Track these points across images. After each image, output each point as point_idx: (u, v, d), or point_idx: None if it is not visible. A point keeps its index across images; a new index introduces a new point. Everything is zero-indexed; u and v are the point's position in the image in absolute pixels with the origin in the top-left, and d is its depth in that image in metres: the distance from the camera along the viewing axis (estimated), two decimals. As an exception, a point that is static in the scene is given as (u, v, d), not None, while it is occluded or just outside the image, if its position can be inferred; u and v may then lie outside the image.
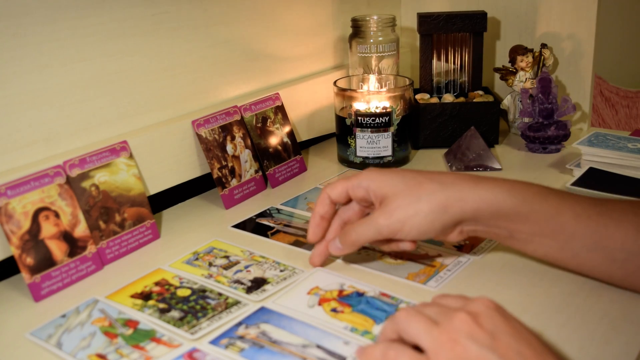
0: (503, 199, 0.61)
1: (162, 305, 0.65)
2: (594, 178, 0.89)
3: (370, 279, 0.69)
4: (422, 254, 0.73)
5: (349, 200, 0.69)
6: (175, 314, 0.63)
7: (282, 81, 1.06)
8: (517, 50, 1.12)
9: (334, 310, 0.62)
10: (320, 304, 0.63)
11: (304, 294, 0.65)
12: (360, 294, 0.64)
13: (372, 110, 0.99)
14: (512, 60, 1.13)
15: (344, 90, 1.01)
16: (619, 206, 0.62)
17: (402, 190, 0.63)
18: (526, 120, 1.08)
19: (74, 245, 0.72)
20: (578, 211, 0.61)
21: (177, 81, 0.89)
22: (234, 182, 0.90)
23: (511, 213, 0.61)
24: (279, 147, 0.98)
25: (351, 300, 0.63)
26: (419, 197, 0.62)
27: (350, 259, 0.73)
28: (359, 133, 0.99)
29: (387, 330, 0.51)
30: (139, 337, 0.60)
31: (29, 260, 0.68)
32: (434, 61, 1.14)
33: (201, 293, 0.67)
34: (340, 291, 0.65)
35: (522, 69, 1.12)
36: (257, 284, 0.68)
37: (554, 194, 0.63)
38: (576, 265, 0.64)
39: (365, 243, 0.66)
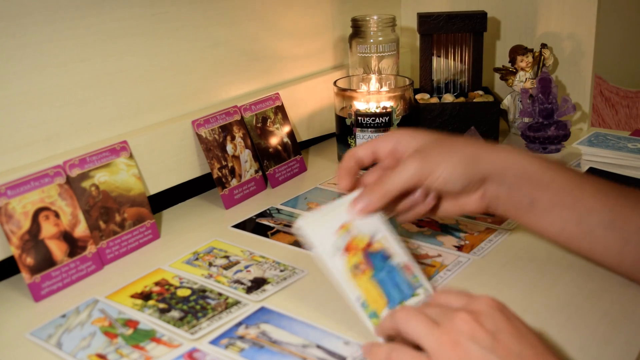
0: (529, 162, 0.63)
1: (162, 305, 0.65)
2: (594, 178, 0.88)
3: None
4: (422, 254, 0.73)
5: (372, 163, 0.67)
6: (175, 314, 0.63)
7: (282, 81, 1.06)
8: (517, 50, 1.12)
9: (355, 267, 0.58)
10: (346, 251, 0.58)
11: (336, 228, 0.59)
12: (386, 257, 0.60)
13: (372, 110, 0.99)
14: (512, 60, 1.13)
15: (344, 90, 1.01)
16: (638, 192, 0.63)
17: (433, 142, 0.63)
18: (526, 120, 1.08)
19: (74, 245, 0.72)
20: (598, 188, 0.62)
21: (177, 81, 0.89)
22: (234, 182, 0.90)
23: (535, 178, 0.62)
24: (279, 147, 0.98)
25: (376, 260, 0.59)
26: (450, 148, 0.63)
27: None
28: (359, 133, 0.99)
29: (387, 325, 0.51)
30: (139, 337, 0.60)
31: (29, 260, 0.68)
32: (434, 61, 1.14)
33: (201, 293, 0.67)
34: (370, 243, 0.60)
35: (522, 69, 1.12)
36: (257, 284, 0.68)
37: (575, 170, 0.65)
38: (590, 243, 0.63)
39: (397, 192, 0.61)
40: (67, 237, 0.71)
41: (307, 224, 0.58)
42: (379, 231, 0.61)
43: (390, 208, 0.65)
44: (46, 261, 0.69)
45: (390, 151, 0.66)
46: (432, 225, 0.80)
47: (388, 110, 0.98)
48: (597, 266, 0.69)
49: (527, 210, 0.64)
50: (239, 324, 0.61)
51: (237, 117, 0.93)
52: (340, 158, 1.04)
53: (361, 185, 0.66)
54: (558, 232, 0.64)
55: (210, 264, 0.73)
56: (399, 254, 0.60)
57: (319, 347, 0.57)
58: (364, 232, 0.60)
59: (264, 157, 0.95)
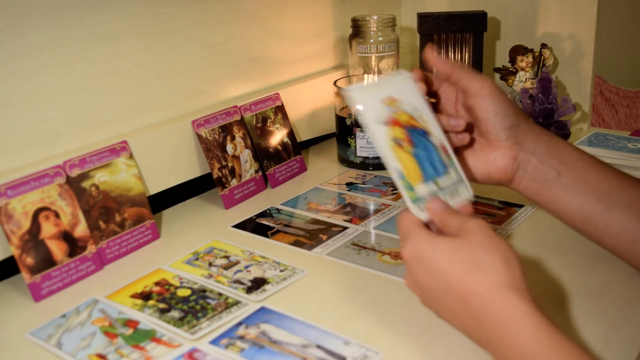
0: (558, 141, 0.67)
1: (162, 305, 0.65)
2: (594, 178, 0.88)
3: (370, 278, 0.69)
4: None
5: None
6: (175, 314, 0.63)
7: (282, 81, 1.06)
8: (517, 50, 1.12)
9: (397, 140, 0.59)
10: (389, 123, 0.60)
11: (381, 100, 0.61)
12: (426, 134, 0.61)
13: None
14: (512, 60, 1.13)
15: (351, 85, 1.01)
16: None
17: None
18: (526, 120, 1.08)
19: (74, 245, 0.72)
20: (619, 173, 0.66)
21: (177, 81, 0.89)
22: (234, 182, 0.90)
23: (563, 154, 0.65)
24: (279, 147, 0.98)
25: (416, 136, 0.60)
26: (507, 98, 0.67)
27: (350, 258, 0.73)
28: (359, 133, 0.99)
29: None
30: (139, 337, 0.60)
31: (29, 260, 0.68)
32: (434, 61, 1.14)
33: (201, 293, 0.67)
34: (412, 118, 0.61)
35: (522, 69, 1.12)
36: (257, 284, 0.68)
37: (597, 158, 0.67)
38: (605, 222, 0.64)
39: (460, 77, 0.67)
40: (67, 237, 0.71)
41: (356, 91, 0.60)
42: (420, 110, 0.62)
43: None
44: (46, 261, 0.69)
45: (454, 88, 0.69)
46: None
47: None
48: (597, 266, 0.69)
49: (552, 183, 0.66)
50: (239, 324, 0.61)
51: (237, 117, 0.93)
52: (340, 158, 1.04)
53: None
54: (578, 208, 0.65)
55: (210, 264, 0.73)
56: (437, 135, 0.62)
57: (319, 347, 0.57)
58: (407, 109, 0.62)
59: (264, 157, 0.95)
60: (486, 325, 0.50)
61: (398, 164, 0.58)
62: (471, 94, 0.65)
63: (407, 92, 0.63)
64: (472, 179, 0.68)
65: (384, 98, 0.61)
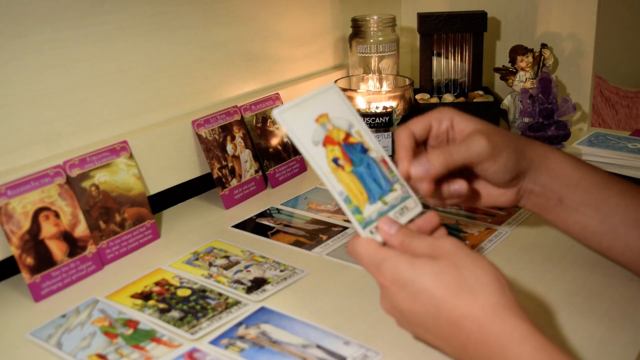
0: (561, 161, 0.65)
1: (162, 305, 0.65)
2: (594, 178, 0.88)
3: (370, 278, 0.69)
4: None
5: (424, 139, 0.65)
6: (175, 314, 0.63)
7: (282, 81, 1.06)
8: (517, 50, 1.12)
9: (335, 161, 0.56)
10: (325, 144, 0.56)
11: (313, 119, 0.56)
12: (364, 150, 0.58)
13: (372, 110, 0.99)
14: (512, 60, 1.13)
15: (344, 90, 1.01)
16: None
17: (487, 127, 0.62)
18: (526, 120, 1.08)
19: (74, 245, 0.72)
20: (623, 189, 0.64)
21: (177, 81, 0.89)
22: (234, 182, 0.90)
23: (565, 176, 0.64)
24: (279, 147, 0.98)
25: (354, 154, 0.57)
26: (507, 136, 0.63)
27: (350, 258, 0.73)
28: (359, 133, 0.98)
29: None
30: (139, 337, 0.60)
31: (29, 260, 0.68)
32: (434, 61, 1.14)
33: (201, 293, 0.67)
34: (348, 135, 0.57)
35: (522, 69, 1.12)
36: (257, 284, 0.68)
37: (601, 170, 0.66)
38: (611, 241, 0.64)
39: (460, 163, 0.60)
40: (67, 237, 0.71)
41: (284, 112, 0.55)
42: (354, 124, 0.59)
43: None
44: (46, 261, 0.69)
45: (446, 129, 0.64)
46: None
47: (388, 110, 0.98)
48: (597, 266, 0.69)
49: (555, 208, 0.65)
50: (239, 324, 0.61)
51: (237, 117, 0.93)
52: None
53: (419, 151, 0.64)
54: (581, 229, 0.65)
55: (210, 264, 0.73)
56: (375, 149, 0.59)
57: (319, 347, 0.57)
58: (341, 125, 0.58)
59: (264, 157, 0.95)
60: (483, 348, 0.48)
61: (341, 186, 0.55)
62: (473, 166, 0.62)
63: (338, 106, 0.58)
64: (478, 206, 0.67)
65: (316, 116, 0.57)
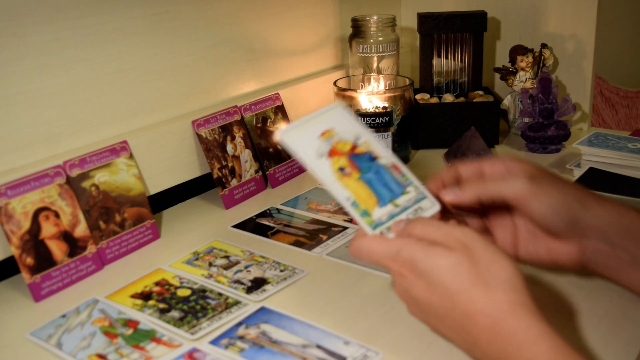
0: (634, 218, 0.59)
1: (162, 305, 0.65)
2: (594, 178, 0.89)
3: (370, 278, 0.69)
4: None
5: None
6: (175, 314, 0.63)
7: (282, 81, 1.06)
8: (517, 50, 1.12)
9: (341, 170, 0.56)
10: (330, 155, 0.57)
11: (317, 136, 0.57)
12: (372, 158, 0.58)
13: (372, 110, 0.99)
14: (512, 60, 1.13)
15: (344, 90, 1.01)
16: None
17: (544, 172, 0.60)
18: (526, 120, 1.08)
19: (74, 245, 0.72)
20: None
21: (177, 81, 0.89)
22: (234, 182, 0.90)
23: (637, 229, 0.58)
24: (279, 147, 0.98)
25: (362, 162, 0.57)
26: (562, 183, 0.59)
27: (350, 258, 0.73)
28: (359, 133, 0.98)
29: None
30: (139, 337, 0.60)
31: (29, 260, 0.68)
32: (434, 61, 1.14)
33: (201, 293, 0.67)
34: (354, 146, 0.58)
35: (522, 69, 1.12)
36: (257, 284, 0.68)
37: None
38: None
39: (494, 197, 0.58)
40: (67, 237, 0.71)
41: (287, 133, 0.56)
42: (361, 136, 0.59)
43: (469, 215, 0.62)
44: (46, 261, 0.69)
45: (499, 174, 0.61)
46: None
47: (388, 110, 0.98)
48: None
49: (628, 268, 0.59)
50: (239, 324, 0.61)
51: (237, 117, 0.93)
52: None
53: (456, 175, 0.62)
54: None
55: (210, 264, 0.73)
56: (385, 155, 0.58)
57: (319, 347, 0.57)
58: (347, 138, 0.58)
59: (264, 157, 0.95)
60: (496, 345, 0.48)
61: (348, 192, 0.55)
62: (511, 205, 0.59)
63: (344, 121, 0.59)
64: (538, 265, 0.63)
65: (320, 132, 0.57)
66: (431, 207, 0.57)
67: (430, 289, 0.50)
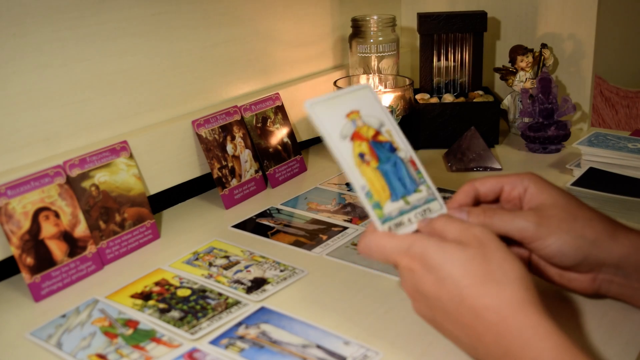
0: None
1: (162, 305, 0.65)
2: (594, 178, 0.89)
3: (370, 278, 0.69)
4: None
5: (494, 200, 0.62)
6: (175, 314, 0.63)
7: (282, 81, 1.06)
8: (517, 50, 1.12)
9: (361, 156, 0.56)
10: (353, 138, 0.56)
11: (344, 115, 0.57)
12: (393, 149, 0.58)
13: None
14: (512, 60, 1.13)
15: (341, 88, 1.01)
16: None
17: (562, 203, 0.58)
18: (526, 120, 1.08)
19: (74, 245, 0.72)
20: None
21: (177, 81, 0.89)
22: (234, 182, 0.90)
23: None
24: (279, 147, 0.98)
25: (382, 151, 0.57)
26: (576, 217, 0.57)
27: (350, 258, 0.73)
28: (359, 133, 0.98)
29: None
30: (139, 337, 0.60)
31: (29, 260, 0.68)
32: (434, 61, 1.14)
33: (201, 293, 0.67)
34: (377, 133, 0.58)
35: (522, 69, 1.12)
36: (257, 284, 0.68)
37: None
38: None
39: (498, 232, 0.57)
40: (67, 237, 0.71)
41: (315, 105, 0.56)
42: (385, 123, 0.59)
43: None
44: (46, 261, 0.69)
45: (518, 195, 0.60)
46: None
47: (388, 110, 0.98)
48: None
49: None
50: (239, 324, 0.61)
51: (237, 117, 0.93)
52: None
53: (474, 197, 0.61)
54: None
55: (210, 264, 0.73)
56: (405, 149, 0.59)
57: (319, 347, 0.57)
58: (371, 123, 0.58)
59: (264, 157, 0.95)
60: (502, 341, 0.48)
61: (364, 181, 0.55)
62: (521, 241, 0.58)
63: (370, 104, 0.59)
64: (548, 281, 0.62)
65: (347, 112, 0.57)
66: (439, 210, 0.57)
67: (439, 283, 0.51)
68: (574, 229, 0.56)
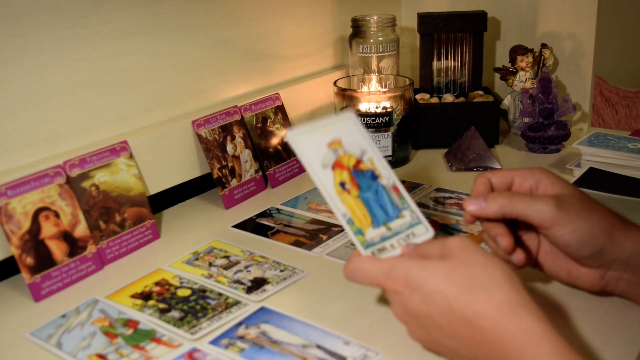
0: None
1: (162, 305, 0.65)
2: (594, 178, 0.89)
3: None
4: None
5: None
6: (175, 314, 0.63)
7: (282, 81, 1.06)
8: (517, 50, 1.12)
9: (342, 185, 0.57)
10: (334, 167, 0.57)
11: (325, 144, 0.58)
12: (374, 177, 0.59)
13: (372, 110, 0.99)
14: (512, 60, 1.13)
15: (344, 90, 1.01)
16: None
17: (575, 195, 0.58)
18: (526, 120, 1.08)
19: (74, 245, 0.72)
20: None
21: (177, 81, 0.89)
22: (234, 182, 0.90)
23: None
24: (279, 147, 0.98)
25: (363, 180, 0.58)
26: (591, 210, 0.57)
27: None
28: (359, 133, 0.98)
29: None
30: (139, 337, 0.60)
31: (29, 260, 0.68)
32: (434, 61, 1.14)
33: (201, 293, 0.67)
34: (358, 161, 0.59)
35: (522, 69, 1.12)
36: (257, 284, 0.68)
37: None
38: None
39: (516, 215, 0.57)
40: (67, 237, 0.71)
41: (297, 136, 0.57)
42: (367, 152, 0.60)
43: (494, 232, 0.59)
44: (46, 261, 0.69)
45: (529, 187, 0.60)
46: (432, 226, 0.80)
47: (388, 110, 0.98)
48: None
49: None
50: (239, 324, 0.61)
51: (237, 117, 0.93)
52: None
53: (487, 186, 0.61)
54: None
55: (210, 264, 0.73)
56: (387, 176, 0.59)
57: (319, 347, 0.57)
58: (353, 152, 0.59)
59: (264, 157, 0.95)
60: (499, 348, 0.47)
61: (345, 208, 0.56)
62: (536, 227, 0.58)
63: (353, 133, 0.59)
64: (554, 279, 0.63)
65: (329, 141, 0.58)
66: (425, 233, 0.58)
67: (427, 299, 0.50)
68: (592, 219, 0.56)
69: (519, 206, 0.56)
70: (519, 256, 0.58)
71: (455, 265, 0.50)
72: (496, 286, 0.48)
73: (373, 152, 0.60)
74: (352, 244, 0.67)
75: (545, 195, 0.57)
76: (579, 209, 0.56)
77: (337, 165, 0.58)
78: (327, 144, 0.58)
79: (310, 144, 0.57)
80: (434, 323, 0.51)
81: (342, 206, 0.56)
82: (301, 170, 1.01)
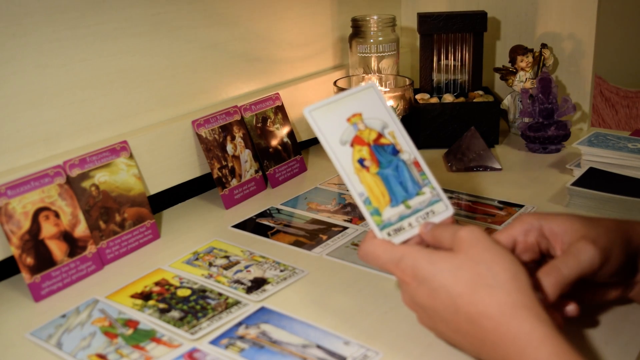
0: None
1: (162, 305, 0.65)
2: (594, 178, 0.89)
3: (370, 278, 0.69)
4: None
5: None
6: (175, 314, 0.63)
7: (282, 81, 1.06)
8: (517, 50, 1.12)
9: (361, 162, 0.55)
10: (353, 144, 0.55)
11: (345, 118, 0.56)
12: (395, 152, 0.57)
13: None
14: (512, 60, 1.13)
15: (344, 90, 1.01)
16: None
17: (584, 226, 0.55)
18: (526, 120, 1.08)
19: (74, 245, 0.72)
20: None
21: (177, 81, 0.89)
22: (234, 182, 0.90)
23: None
24: (279, 147, 0.98)
25: (383, 155, 0.56)
26: (606, 229, 0.55)
27: (350, 258, 0.73)
28: (359, 133, 0.98)
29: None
30: (139, 337, 0.60)
31: (29, 260, 0.68)
32: (434, 61, 1.14)
33: (201, 293, 0.67)
34: (379, 136, 0.57)
35: (522, 69, 1.12)
36: (257, 284, 0.68)
37: None
38: None
39: (571, 281, 0.52)
40: (67, 237, 0.71)
41: (314, 110, 0.55)
42: (389, 125, 0.57)
43: None
44: (46, 261, 0.69)
45: (535, 241, 0.57)
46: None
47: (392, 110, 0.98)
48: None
49: None
50: (239, 324, 0.61)
51: (237, 117, 0.93)
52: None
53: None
54: None
55: (210, 264, 0.73)
56: (408, 150, 0.57)
57: (319, 347, 0.57)
58: (374, 126, 0.57)
59: (264, 157, 0.95)
60: (500, 348, 0.47)
61: (362, 187, 0.54)
62: (591, 273, 0.54)
63: (374, 106, 0.57)
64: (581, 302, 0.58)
65: (348, 115, 0.56)
66: (444, 211, 0.56)
67: (433, 294, 0.51)
68: (612, 234, 0.54)
69: (571, 272, 0.52)
70: (571, 307, 0.55)
71: (461, 262, 0.50)
72: (500, 286, 0.48)
73: (395, 124, 0.58)
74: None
75: (578, 244, 0.53)
76: (604, 235, 0.54)
77: (356, 141, 0.55)
78: (347, 118, 0.56)
79: (328, 119, 0.55)
80: (440, 317, 0.51)
81: (359, 185, 0.54)
82: (301, 170, 1.01)
